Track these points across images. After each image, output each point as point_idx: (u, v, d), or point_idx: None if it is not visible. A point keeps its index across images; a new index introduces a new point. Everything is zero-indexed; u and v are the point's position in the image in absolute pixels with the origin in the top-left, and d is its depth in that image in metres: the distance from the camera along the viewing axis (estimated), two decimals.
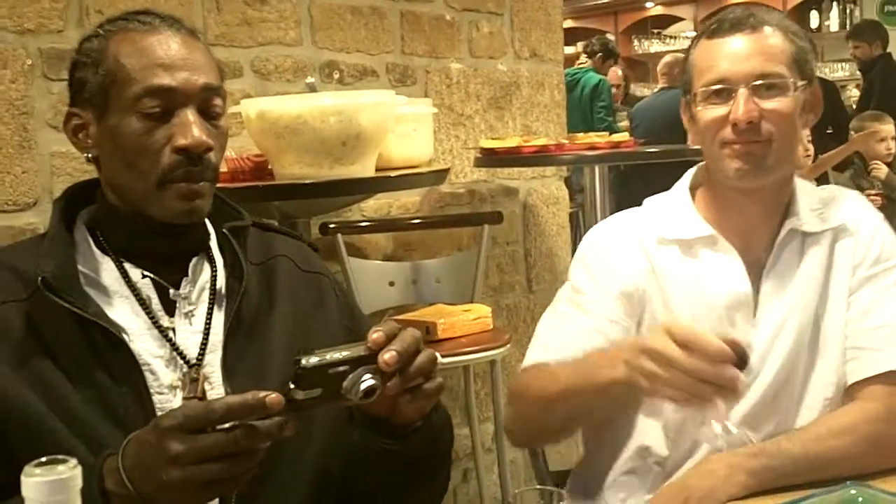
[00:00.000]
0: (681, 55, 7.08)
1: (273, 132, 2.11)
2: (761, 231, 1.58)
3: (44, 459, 0.74)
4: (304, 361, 1.04)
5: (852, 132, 5.15)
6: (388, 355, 1.08)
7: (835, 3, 9.91)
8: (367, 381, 1.07)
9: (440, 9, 3.29)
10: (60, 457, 0.75)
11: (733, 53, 1.51)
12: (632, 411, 1.47)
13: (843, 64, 9.27)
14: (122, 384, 1.23)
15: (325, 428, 1.33)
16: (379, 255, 3.07)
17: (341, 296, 1.47)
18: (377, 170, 2.28)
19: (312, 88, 2.42)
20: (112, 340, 1.23)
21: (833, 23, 9.88)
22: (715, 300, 1.54)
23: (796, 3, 9.98)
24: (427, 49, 3.24)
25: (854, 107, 6.90)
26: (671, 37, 11.08)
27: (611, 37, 10.85)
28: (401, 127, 2.38)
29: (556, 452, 1.89)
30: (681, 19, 11.06)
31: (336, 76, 2.95)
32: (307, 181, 2.05)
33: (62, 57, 2.32)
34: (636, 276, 1.57)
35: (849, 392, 1.51)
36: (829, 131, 5.84)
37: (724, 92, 1.51)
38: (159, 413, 1.22)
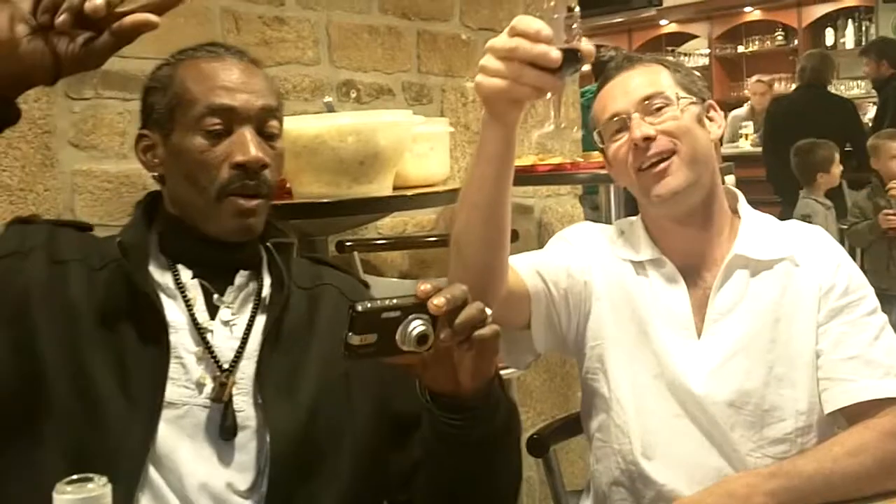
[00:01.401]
0: (695, 73, 7.07)
1: (291, 151, 2.12)
2: (710, 256, 1.65)
3: (75, 477, 0.77)
4: (358, 307, 1.10)
5: None
6: (437, 299, 1.13)
7: (850, 21, 9.91)
8: (418, 326, 1.12)
9: (456, 28, 3.31)
10: (90, 475, 0.77)
11: (620, 91, 1.63)
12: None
13: (859, 81, 9.25)
14: (148, 363, 1.31)
15: (358, 433, 1.38)
16: (395, 272, 3.09)
17: None
18: (394, 188, 2.30)
19: (330, 108, 2.44)
20: (156, 324, 1.33)
21: (849, 40, 9.88)
22: (658, 320, 1.62)
23: (811, 21, 9.99)
24: (443, 68, 3.27)
25: (870, 125, 6.88)
26: (685, 54, 11.09)
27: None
28: (418, 146, 2.40)
29: (570, 473, 1.89)
30: (695, 37, 11.08)
31: (353, 95, 2.97)
32: (325, 200, 2.07)
33: (84, 76, 2.35)
34: (587, 269, 1.66)
35: (832, 420, 1.58)
36: (847, 149, 5.83)
37: (620, 123, 1.61)
38: (166, 404, 1.30)
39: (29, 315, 1.30)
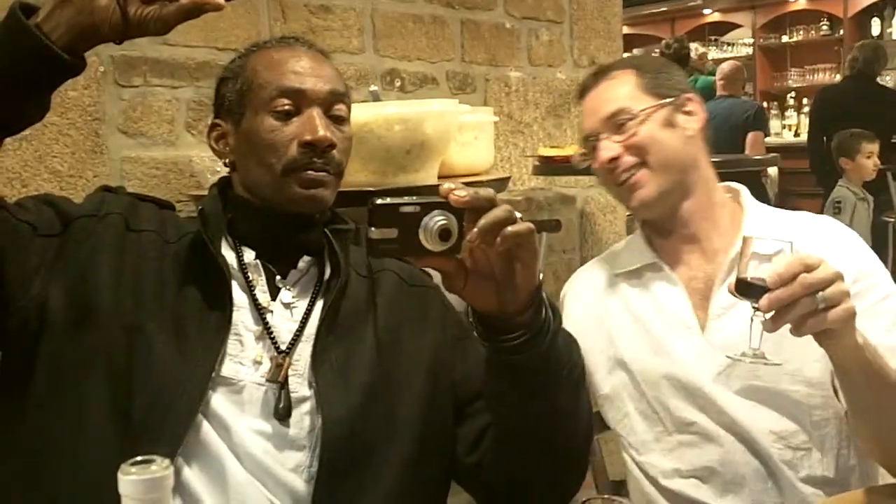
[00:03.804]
0: (739, 63, 7.03)
1: None
2: (710, 248, 1.66)
3: (139, 459, 0.78)
4: (377, 200, 1.09)
5: None
6: (458, 191, 1.10)
7: None
8: (440, 220, 1.09)
9: (500, 17, 3.31)
10: (152, 457, 0.79)
11: (589, 110, 1.70)
12: None
13: None
14: (207, 333, 1.33)
15: (413, 419, 1.38)
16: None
17: (451, 308, 1.52)
18: (439, 177, 2.30)
19: (376, 97, 2.45)
20: (221, 297, 1.35)
21: (895, 30, 9.72)
22: (663, 323, 1.63)
23: (857, 11, 9.84)
24: (487, 57, 3.27)
25: None
26: (729, 44, 10.99)
27: None
28: (463, 135, 2.40)
29: (609, 464, 1.89)
30: (739, 26, 10.97)
31: (397, 84, 2.99)
32: (371, 188, 2.08)
33: (133, 64, 2.39)
34: (603, 318, 1.69)
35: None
36: (894, 140, 5.76)
37: (593, 143, 1.67)
38: (223, 380, 1.33)
39: (93, 273, 1.34)
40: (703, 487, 1.59)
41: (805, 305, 1.24)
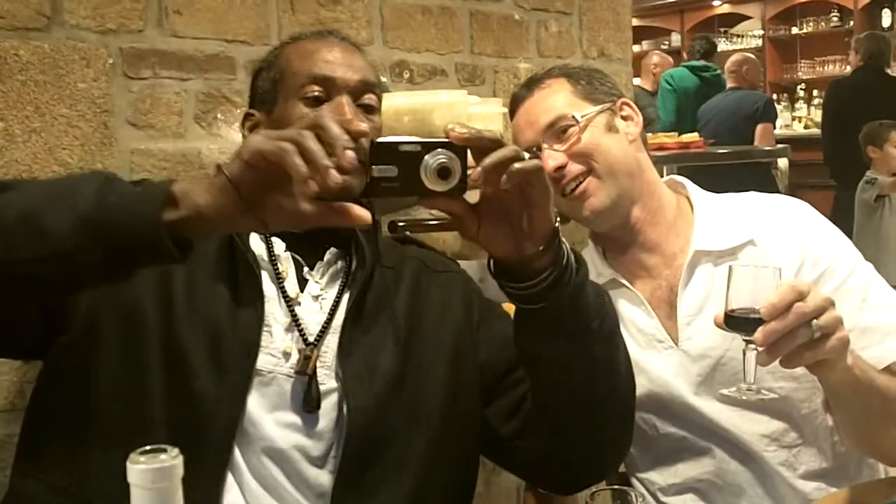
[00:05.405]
0: (749, 54, 7.01)
1: None
2: (668, 252, 1.64)
3: (147, 448, 0.78)
4: (377, 140, 1.09)
5: None
6: (459, 129, 1.10)
7: None
8: (440, 158, 1.09)
9: (509, 9, 3.29)
10: (162, 446, 0.79)
11: (525, 122, 1.68)
12: None
13: None
14: (241, 330, 1.34)
15: (438, 406, 1.40)
16: (447, 252, 3.09)
17: (476, 290, 1.52)
18: None
19: (384, 88, 2.44)
20: (252, 291, 1.36)
21: None
22: (634, 342, 1.60)
23: (867, 2, 9.78)
24: (496, 49, 3.25)
25: None
26: (738, 35, 10.94)
27: (676, 35, 10.77)
28: (472, 126, 2.39)
29: None
30: (748, 17, 10.91)
31: (406, 76, 2.97)
32: None
33: (142, 56, 2.38)
34: None
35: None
36: None
37: (534, 155, 1.62)
38: (255, 371, 1.32)
39: (130, 289, 1.32)
40: (701, 501, 1.58)
41: (801, 336, 1.21)
